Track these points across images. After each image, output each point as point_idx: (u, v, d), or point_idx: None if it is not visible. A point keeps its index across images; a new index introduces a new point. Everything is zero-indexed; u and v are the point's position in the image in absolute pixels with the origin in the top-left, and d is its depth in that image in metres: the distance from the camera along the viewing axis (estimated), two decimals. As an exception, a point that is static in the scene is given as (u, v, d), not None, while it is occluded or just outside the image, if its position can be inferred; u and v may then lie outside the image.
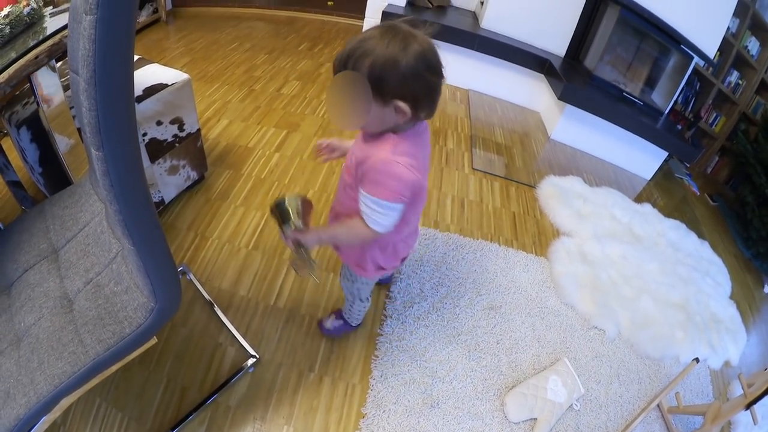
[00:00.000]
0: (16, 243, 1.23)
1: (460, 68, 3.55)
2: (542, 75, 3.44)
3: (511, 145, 3.12)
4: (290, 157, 2.57)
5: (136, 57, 2.21)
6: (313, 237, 1.06)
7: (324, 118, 2.97)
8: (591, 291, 2.11)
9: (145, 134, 1.91)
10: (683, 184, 3.66)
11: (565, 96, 3.09)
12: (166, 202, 2.16)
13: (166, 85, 1.90)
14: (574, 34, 3.50)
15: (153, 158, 2.00)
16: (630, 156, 3.30)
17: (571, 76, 3.21)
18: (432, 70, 0.90)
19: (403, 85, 0.86)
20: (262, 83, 3.32)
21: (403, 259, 1.30)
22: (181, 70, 2.01)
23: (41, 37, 1.68)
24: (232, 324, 1.69)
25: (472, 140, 3.02)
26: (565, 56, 3.57)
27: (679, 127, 3.82)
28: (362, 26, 4.52)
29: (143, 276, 0.89)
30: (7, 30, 1.66)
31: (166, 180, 2.14)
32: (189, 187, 2.26)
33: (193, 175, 2.29)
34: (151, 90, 1.87)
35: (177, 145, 2.11)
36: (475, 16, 3.81)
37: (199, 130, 2.19)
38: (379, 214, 0.94)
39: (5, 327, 1.06)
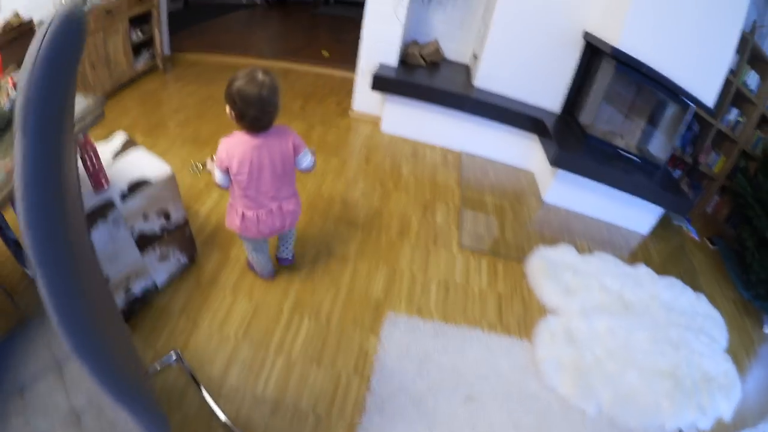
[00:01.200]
0: (23, 350, 1.43)
1: (452, 130, 3.82)
2: (536, 135, 3.66)
3: (503, 213, 3.33)
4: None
5: (121, 137, 2.53)
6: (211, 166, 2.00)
7: (312, 191, 3.22)
8: (573, 372, 2.31)
9: (132, 228, 2.18)
10: (682, 230, 3.81)
11: (557, 162, 3.28)
12: (159, 286, 2.43)
13: (150, 183, 2.17)
14: (569, 89, 3.71)
15: (142, 248, 2.27)
16: (625, 213, 3.47)
17: (565, 138, 3.41)
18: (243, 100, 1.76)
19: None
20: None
21: (261, 236, 2.16)
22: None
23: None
24: (223, 411, 1.94)
25: (462, 214, 3.24)
26: (560, 112, 3.79)
27: (678, 172, 3.99)
28: (354, 81, 4.87)
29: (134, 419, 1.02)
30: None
31: (157, 266, 2.41)
32: (181, 270, 2.54)
33: (184, 259, 2.56)
34: (135, 186, 2.13)
35: (165, 236, 2.39)
36: (468, 71, 4.09)
37: (186, 220, 2.48)
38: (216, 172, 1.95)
39: (23, 430, 1.18)
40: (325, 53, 5.55)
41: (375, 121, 4.12)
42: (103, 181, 2.06)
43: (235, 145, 1.86)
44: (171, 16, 6.58)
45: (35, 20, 3.94)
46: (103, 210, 2.00)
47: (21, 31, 3.83)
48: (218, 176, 1.95)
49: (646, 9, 3.03)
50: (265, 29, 7.72)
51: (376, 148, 3.78)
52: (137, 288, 2.30)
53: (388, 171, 3.52)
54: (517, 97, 3.76)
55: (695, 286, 3.06)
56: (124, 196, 2.08)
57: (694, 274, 3.27)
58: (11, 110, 1.84)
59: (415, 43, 4.08)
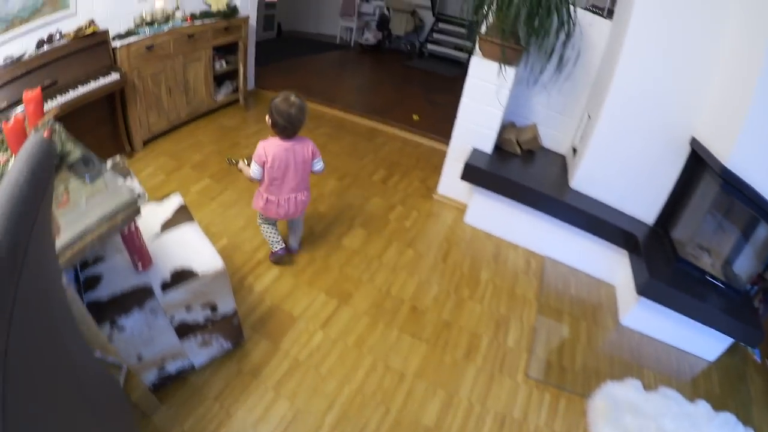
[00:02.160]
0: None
1: (539, 232, 3.59)
2: (625, 251, 3.40)
3: (577, 335, 3.07)
4: (334, 340, 2.61)
5: (176, 202, 2.41)
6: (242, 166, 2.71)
7: (381, 289, 3.03)
8: None
9: (172, 317, 2.04)
10: (746, 353, 3.43)
11: (646, 292, 3.02)
12: (196, 367, 2.30)
13: (196, 276, 2.01)
14: (666, 199, 3.45)
15: (182, 335, 2.13)
16: (696, 339, 3.17)
17: (655, 259, 3.15)
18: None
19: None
20: (325, 224, 3.52)
21: (278, 217, 2.85)
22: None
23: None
24: None
25: (535, 335, 3.00)
26: (654, 224, 3.52)
27: (754, 288, 3.63)
28: (446, 153, 4.69)
29: None
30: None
31: (196, 350, 2.27)
32: (222, 354, 2.41)
33: (228, 344, 2.41)
34: (179, 277, 1.98)
35: (209, 325, 2.24)
36: (564, 164, 3.87)
37: (235, 311, 2.32)
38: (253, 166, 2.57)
39: None
40: (416, 117, 5.46)
41: (460, 208, 3.92)
42: (145, 261, 1.95)
43: (271, 146, 2.59)
44: (261, 45, 6.73)
45: (111, 32, 3.99)
46: (141, 296, 1.87)
47: (93, 40, 3.87)
48: (255, 169, 2.64)
49: (765, 123, 2.70)
50: (355, 76, 7.79)
51: (457, 243, 3.57)
52: (172, 367, 2.18)
53: (466, 274, 3.29)
54: (612, 203, 3.50)
55: (747, 420, 2.74)
56: (165, 286, 1.95)
57: (749, 406, 2.92)
58: None
59: (512, 126, 3.89)
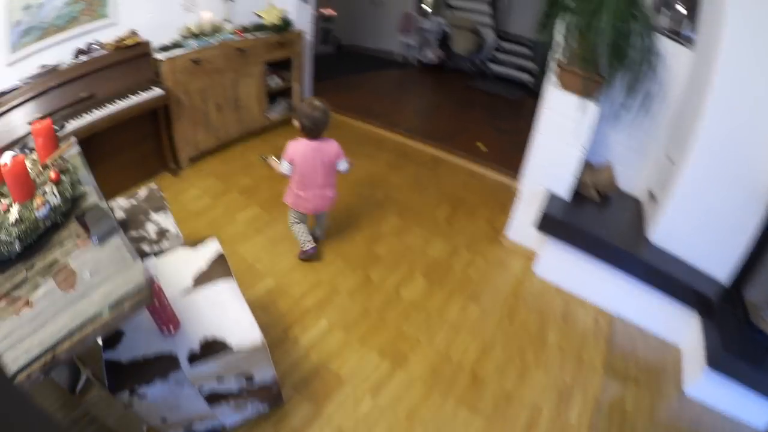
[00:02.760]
0: None
1: (611, 288, 3.23)
2: (697, 313, 3.05)
3: (638, 408, 2.72)
4: (384, 408, 2.37)
5: (212, 250, 2.20)
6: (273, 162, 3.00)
7: (440, 351, 2.73)
8: None
9: (201, 386, 1.81)
10: None
11: (716, 364, 2.73)
12: (228, 428, 2.09)
13: (230, 349, 1.76)
14: (743, 259, 3.06)
15: (212, 402, 1.91)
16: (751, 409, 2.87)
17: (727, 326, 2.86)
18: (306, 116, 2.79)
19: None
20: (382, 270, 3.27)
21: (305, 215, 3.14)
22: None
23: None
24: None
25: (597, 409, 2.65)
26: (728, 284, 3.14)
27: None
28: (514, 188, 4.36)
29: None
30: (16, 245, 1.52)
31: (228, 413, 2.04)
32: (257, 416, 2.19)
33: (264, 408, 2.17)
34: (210, 348, 1.75)
35: (245, 394, 2.00)
36: (639, 210, 3.52)
37: (275, 380, 2.08)
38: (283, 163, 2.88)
39: None
40: (482, 146, 5.17)
41: (529, 256, 3.58)
42: (172, 325, 1.73)
43: (299, 145, 2.88)
44: (319, 60, 6.58)
45: (155, 44, 3.89)
46: (165, 366, 1.66)
47: (134, 52, 3.75)
48: (285, 166, 2.91)
49: None
50: (416, 97, 7.55)
51: (524, 298, 3.24)
52: (201, 427, 1.99)
53: (533, 335, 2.96)
54: (687, 258, 3.14)
55: None
56: (193, 357, 1.72)
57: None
58: (47, 219, 1.55)
59: (588, 166, 3.51)
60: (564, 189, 3.39)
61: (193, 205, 3.82)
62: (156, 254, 2.20)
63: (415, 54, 9.77)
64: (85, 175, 1.99)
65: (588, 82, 3.00)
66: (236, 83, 4.54)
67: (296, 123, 2.87)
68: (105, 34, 3.71)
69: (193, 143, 4.37)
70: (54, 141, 2.03)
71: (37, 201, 1.58)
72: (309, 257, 3.22)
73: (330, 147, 2.96)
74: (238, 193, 3.98)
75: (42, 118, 2.16)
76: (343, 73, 8.13)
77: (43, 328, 1.25)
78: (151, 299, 1.37)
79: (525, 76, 8.42)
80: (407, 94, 7.60)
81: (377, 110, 6.11)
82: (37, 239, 1.60)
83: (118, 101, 3.51)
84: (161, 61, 3.83)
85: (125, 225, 2.44)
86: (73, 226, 1.66)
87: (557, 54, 3.17)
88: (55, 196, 1.65)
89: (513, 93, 7.95)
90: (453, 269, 3.33)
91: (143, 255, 2.23)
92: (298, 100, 5.27)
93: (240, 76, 4.55)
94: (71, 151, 2.33)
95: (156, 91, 3.74)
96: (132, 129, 3.80)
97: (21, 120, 3.10)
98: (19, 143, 2.99)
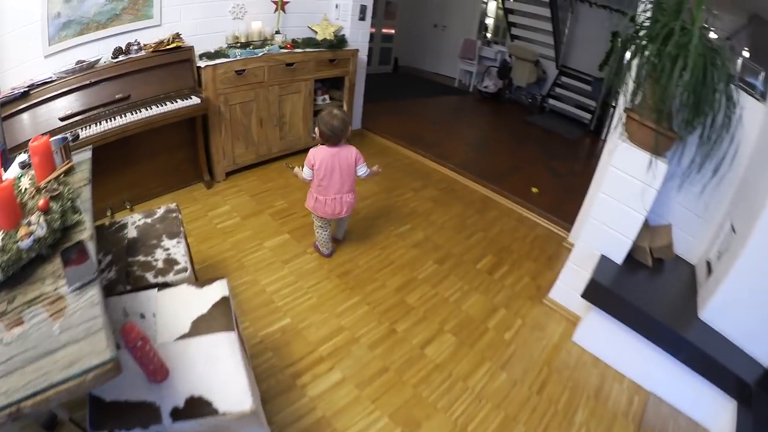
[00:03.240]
0: None
1: (651, 365, 2.89)
2: (734, 400, 2.69)
3: None
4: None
5: (218, 292, 1.94)
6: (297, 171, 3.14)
7: (457, 423, 2.39)
8: None
9: None
10: None
11: None
12: None
13: (216, 411, 1.51)
14: None
15: None
16: None
17: (764, 410, 2.50)
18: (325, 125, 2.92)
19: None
20: (410, 323, 2.95)
21: (326, 218, 3.22)
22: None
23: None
24: None
25: None
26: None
27: None
28: (563, 239, 4.11)
29: None
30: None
31: None
32: None
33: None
34: (195, 407, 1.50)
35: None
36: (692, 278, 3.15)
37: None
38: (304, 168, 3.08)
39: None
40: (535, 190, 4.86)
41: (570, 319, 3.25)
42: (159, 375, 1.52)
43: (319, 152, 2.98)
44: (374, 79, 6.41)
45: (198, 50, 3.75)
46: (146, 416, 1.46)
47: (175, 56, 3.60)
48: (306, 171, 3.04)
49: None
50: (470, 128, 7.27)
51: (558, 369, 2.87)
52: None
53: (561, 412, 2.60)
54: (735, 338, 2.76)
55: None
56: (176, 413, 1.48)
57: None
58: (31, 250, 1.39)
59: (645, 227, 3.15)
60: (618, 254, 3.05)
61: (221, 222, 3.63)
62: (159, 286, 1.98)
63: (473, 82, 9.53)
64: (85, 196, 1.78)
65: (661, 137, 2.67)
66: (282, 99, 4.36)
67: (317, 131, 3.01)
68: (147, 35, 3.59)
69: (231, 157, 4.18)
70: (51, 161, 1.84)
71: (21, 231, 1.38)
72: (321, 254, 3.41)
73: (348, 152, 3.05)
74: (270, 217, 3.77)
75: (43, 134, 1.96)
76: (397, 95, 7.94)
77: (10, 376, 1.10)
78: (118, 372, 1.15)
79: (584, 114, 8.08)
80: (461, 123, 7.33)
81: (428, 139, 5.86)
82: (20, 270, 1.41)
83: (153, 107, 3.36)
84: (202, 68, 3.67)
85: (135, 246, 2.24)
86: (59, 262, 1.46)
87: (623, 97, 2.87)
88: (42, 227, 1.45)
89: (571, 132, 7.61)
90: (488, 330, 3.00)
91: (144, 286, 2.02)
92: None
93: (286, 92, 4.36)
94: (83, 158, 2.16)
95: (193, 101, 3.56)
96: (168, 134, 3.66)
97: (50, 115, 2.99)
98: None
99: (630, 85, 2.79)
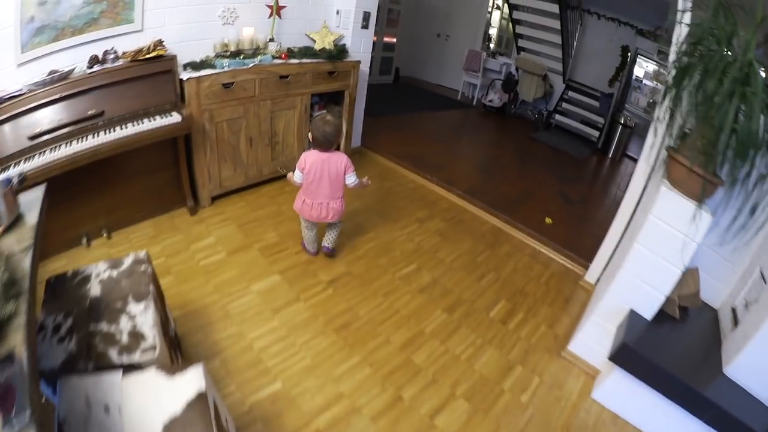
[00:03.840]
0: None
1: (673, 425, 2.59)
2: None
3: None
4: None
5: (196, 381, 1.65)
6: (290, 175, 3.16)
7: None
8: None
9: None
10: None
11: None
12: None
13: None
14: None
15: None
16: None
17: None
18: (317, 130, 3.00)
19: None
20: (418, 387, 2.57)
21: (311, 222, 3.32)
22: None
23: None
24: None
25: None
26: None
27: None
28: (580, 278, 3.80)
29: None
30: None
31: None
32: None
33: None
34: None
35: None
36: (716, 325, 2.85)
37: None
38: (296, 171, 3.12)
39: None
40: (549, 221, 4.51)
41: (590, 374, 2.92)
42: None
43: (310, 156, 3.05)
44: (375, 90, 6.07)
45: (182, 59, 3.41)
46: None
47: (156, 66, 3.24)
48: (297, 174, 3.10)
49: None
50: (476, 145, 6.96)
51: (578, 430, 2.52)
52: None
53: None
54: (757, 392, 2.47)
55: None
56: None
57: None
58: None
59: None
60: (649, 310, 2.73)
61: (205, 258, 3.25)
62: (125, 368, 1.62)
63: (477, 95, 9.21)
64: (25, 268, 1.40)
65: (708, 184, 2.33)
66: (275, 115, 3.99)
67: (310, 135, 3.06)
68: (128, 41, 3.24)
69: (217, 180, 3.82)
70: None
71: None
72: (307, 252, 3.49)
73: (338, 159, 3.07)
74: (259, 252, 3.39)
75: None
76: (399, 109, 7.61)
77: None
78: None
79: (591, 131, 7.81)
80: (467, 141, 6.99)
81: (433, 159, 5.52)
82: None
83: (129, 125, 3.02)
84: (185, 81, 3.30)
85: (98, 309, 1.87)
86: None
87: (661, 129, 2.64)
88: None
89: (579, 150, 7.32)
90: (503, 392, 2.63)
91: (107, 365, 1.66)
92: (347, 143, 4.76)
93: (280, 108, 3.99)
94: (33, 198, 1.78)
95: (174, 118, 3.20)
96: (149, 154, 3.30)
97: (18, 133, 2.67)
98: (8, 162, 2.59)
99: (676, 119, 2.47)
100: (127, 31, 3.26)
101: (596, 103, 7.85)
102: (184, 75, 3.31)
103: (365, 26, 4.71)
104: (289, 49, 4.10)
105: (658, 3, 6.26)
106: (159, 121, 3.13)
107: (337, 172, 3.08)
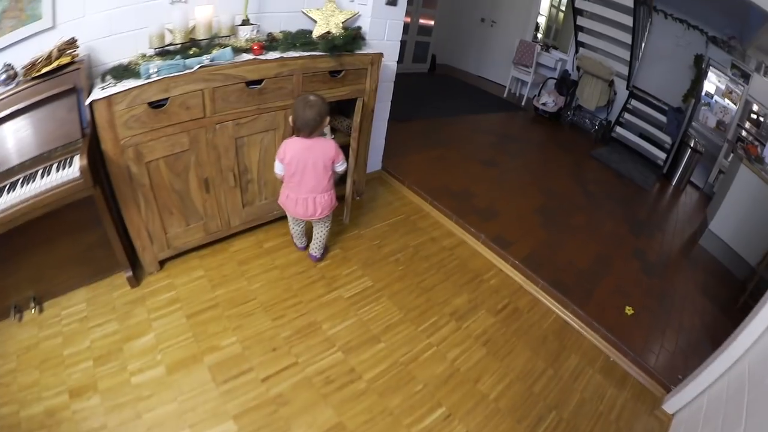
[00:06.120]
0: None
1: None
2: None
3: None
4: None
5: None
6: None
7: None
8: None
9: None
10: None
11: None
12: None
13: None
14: None
15: None
16: None
17: None
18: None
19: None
20: None
21: (295, 218, 2.87)
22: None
23: None
24: None
25: None
26: None
27: None
28: (662, 409, 2.50)
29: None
30: None
31: None
32: None
33: None
34: None
35: None
36: None
37: None
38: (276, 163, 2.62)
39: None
40: (629, 311, 3.16)
41: None
42: None
43: (291, 144, 2.55)
44: (406, 82, 4.74)
45: (109, 62, 2.34)
46: None
47: (54, 84, 2.08)
48: (277, 166, 2.64)
49: None
50: (529, 169, 5.35)
51: None
52: None
53: None
54: None
55: None
56: None
57: None
58: None
59: None
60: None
61: (138, 371, 2.18)
62: None
63: (527, 94, 7.76)
64: None
65: None
66: (243, 143, 2.73)
67: (290, 119, 2.57)
68: (37, 44, 2.16)
69: (162, 240, 2.64)
70: None
71: None
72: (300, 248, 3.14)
73: (324, 147, 2.60)
74: (211, 374, 2.21)
75: None
76: (433, 108, 6.31)
77: None
78: None
79: (656, 152, 6.37)
80: (519, 161, 5.53)
81: (478, 196, 4.16)
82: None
83: (13, 188, 1.99)
84: (90, 103, 2.08)
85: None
86: None
87: None
88: None
89: (645, 177, 5.90)
90: None
91: None
92: (360, 172, 3.35)
93: (250, 131, 2.71)
94: None
95: (68, 173, 2.03)
96: (61, 212, 2.17)
97: None
98: None
99: None
100: (34, 32, 2.18)
101: (663, 118, 6.40)
102: (97, 92, 2.03)
103: (392, 2, 3.26)
104: (271, 37, 2.79)
105: (733, 7, 5.22)
106: (49, 180, 2.03)
107: (324, 163, 2.60)
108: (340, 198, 3.18)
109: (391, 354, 2.48)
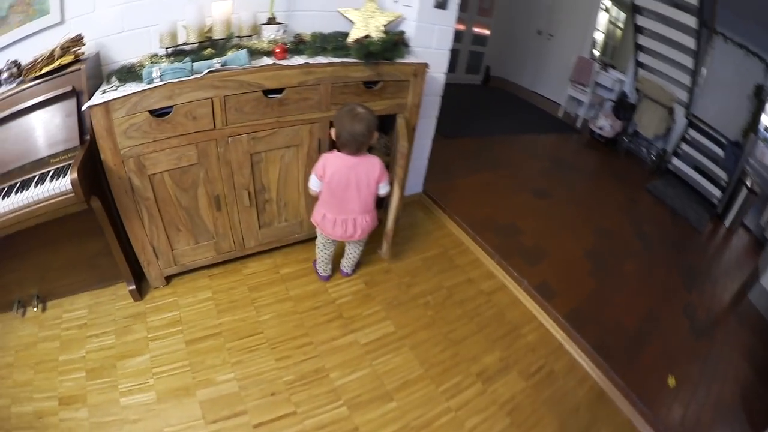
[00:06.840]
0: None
1: None
2: None
3: None
4: None
5: None
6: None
7: None
8: None
9: None
10: None
11: None
12: None
13: None
14: None
15: None
16: None
17: None
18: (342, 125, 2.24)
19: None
20: None
21: (333, 240, 2.62)
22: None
23: None
24: None
25: None
26: None
27: None
28: None
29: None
30: None
31: None
32: None
33: None
34: None
35: None
36: None
37: None
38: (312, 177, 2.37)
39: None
40: (672, 383, 2.78)
41: None
42: None
43: (333, 160, 2.32)
44: (458, 94, 4.46)
45: (118, 62, 2.21)
46: None
47: (57, 84, 1.94)
48: (313, 182, 2.38)
49: None
50: (581, 203, 4.88)
51: None
52: None
53: None
54: None
55: None
56: None
57: None
58: None
59: None
60: None
61: (128, 392, 2.10)
62: None
63: (582, 114, 7.36)
64: None
65: None
66: (260, 158, 2.50)
67: (333, 132, 2.29)
68: (46, 40, 2.06)
69: (168, 256, 2.47)
70: None
71: None
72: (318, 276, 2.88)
73: (370, 166, 2.36)
74: (202, 411, 2.06)
75: None
76: (484, 126, 6.02)
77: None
78: None
79: (712, 189, 5.87)
80: (571, 193, 5.10)
81: (524, 233, 3.78)
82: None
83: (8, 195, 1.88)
84: (88, 109, 1.91)
85: None
86: None
87: None
88: None
89: (700, 217, 5.42)
90: None
91: None
92: (396, 199, 2.98)
93: (269, 146, 2.48)
94: None
95: (57, 185, 1.90)
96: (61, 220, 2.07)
97: None
98: None
99: None
100: (42, 27, 2.09)
101: (721, 152, 5.91)
102: (95, 97, 1.83)
103: (441, 4, 2.92)
104: (298, 38, 2.55)
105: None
106: (44, 189, 1.90)
107: (368, 181, 2.38)
108: (380, 225, 2.90)
109: (402, 416, 2.20)
